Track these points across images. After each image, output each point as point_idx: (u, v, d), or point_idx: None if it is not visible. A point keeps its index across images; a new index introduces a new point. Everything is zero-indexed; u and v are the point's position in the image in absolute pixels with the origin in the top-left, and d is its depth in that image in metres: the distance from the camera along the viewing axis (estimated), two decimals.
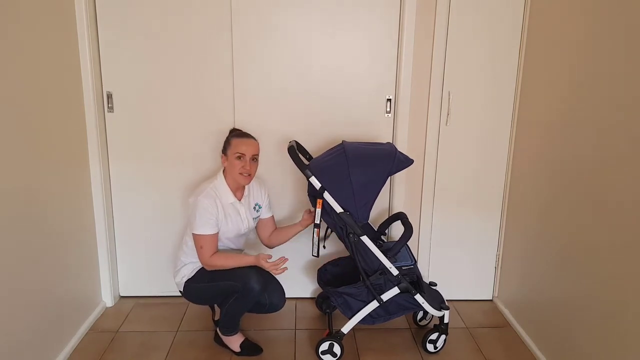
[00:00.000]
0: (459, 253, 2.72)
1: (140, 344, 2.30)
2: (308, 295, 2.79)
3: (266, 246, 2.41)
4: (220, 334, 2.24)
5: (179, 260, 2.24)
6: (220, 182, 2.16)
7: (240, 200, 2.20)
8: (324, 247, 2.41)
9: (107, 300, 2.62)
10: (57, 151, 2.10)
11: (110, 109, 2.47)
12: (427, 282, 2.36)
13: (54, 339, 2.09)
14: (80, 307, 2.35)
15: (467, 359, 2.24)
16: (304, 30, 2.41)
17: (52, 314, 2.06)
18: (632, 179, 1.61)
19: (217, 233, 2.11)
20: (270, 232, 2.37)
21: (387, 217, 2.49)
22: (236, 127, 2.46)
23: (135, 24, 2.37)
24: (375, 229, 2.40)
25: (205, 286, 2.14)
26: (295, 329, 2.46)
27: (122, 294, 2.74)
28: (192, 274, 2.17)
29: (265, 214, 2.35)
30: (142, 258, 2.68)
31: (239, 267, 2.09)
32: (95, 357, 2.18)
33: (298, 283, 2.75)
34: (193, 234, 2.09)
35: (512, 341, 2.39)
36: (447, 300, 2.33)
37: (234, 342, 2.22)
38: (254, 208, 2.28)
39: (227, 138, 2.18)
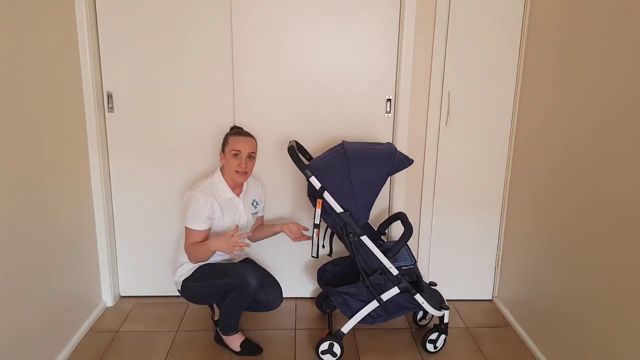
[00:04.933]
0: (459, 253, 2.72)
1: (140, 344, 2.30)
2: (308, 295, 2.79)
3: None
4: (220, 333, 2.24)
5: (177, 260, 2.25)
6: (218, 178, 2.17)
7: (238, 196, 2.21)
8: (323, 246, 2.41)
9: (107, 300, 2.62)
10: (57, 151, 2.10)
11: (110, 109, 2.47)
12: (427, 282, 2.36)
13: (54, 339, 2.09)
14: (80, 307, 2.35)
15: (467, 359, 2.25)
16: (304, 30, 2.41)
17: (52, 314, 2.06)
18: (633, 179, 1.61)
19: (208, 230, 2.12)
20: (255, 228, 2.40)
21: (387, 217, 2.49)
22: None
23: (136, 24, 2.37)
24: (375, 229, 2.40)
25: (203, 285, 2.14)
26: (295, 329, 2.46)
27: (122, 294, 2.74)
28: (190, 273, 2.18)
29: (259, 212, 2.38)
30: (142, 258, 2.68)
31: (236, 265, 2.09)
32: (95, 357, 2.18)
33: (298, 283, 2.75)
34: (185, 226, 2.11)
35: (512, 341, 2.39)
36: (447, 300, 2.33)
37: (234, 341, 2.22)
38: (252, 204, 2.29)
39: (226, 135, 2.19)
